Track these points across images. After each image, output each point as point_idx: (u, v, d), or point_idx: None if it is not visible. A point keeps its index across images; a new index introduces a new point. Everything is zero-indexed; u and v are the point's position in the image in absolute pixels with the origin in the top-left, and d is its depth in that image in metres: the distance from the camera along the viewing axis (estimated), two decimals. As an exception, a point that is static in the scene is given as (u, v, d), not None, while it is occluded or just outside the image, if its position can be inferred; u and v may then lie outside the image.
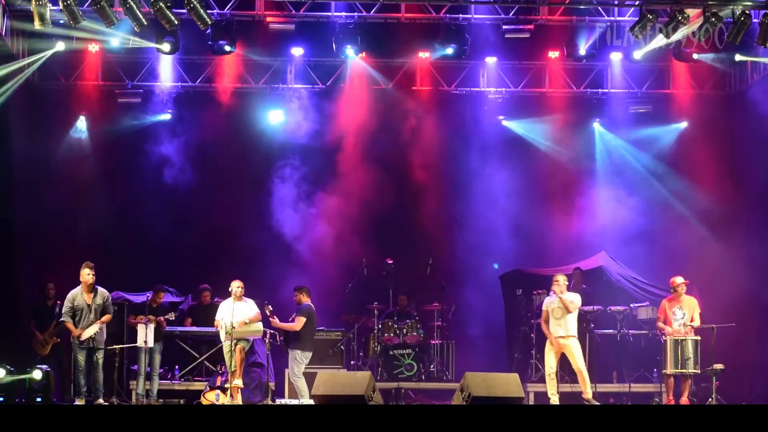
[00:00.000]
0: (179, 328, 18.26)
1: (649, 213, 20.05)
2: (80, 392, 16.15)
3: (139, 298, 17.72)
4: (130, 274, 18.90)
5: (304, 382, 16.55)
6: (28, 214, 18.88)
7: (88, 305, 16.14)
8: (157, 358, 17.26)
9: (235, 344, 16.22)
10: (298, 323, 16.76)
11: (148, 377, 17.19)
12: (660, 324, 17.06)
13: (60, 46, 18.10)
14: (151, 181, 19.90)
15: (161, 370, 17.69)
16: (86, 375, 16.18)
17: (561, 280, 16.48)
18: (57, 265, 18.36)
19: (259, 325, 16.49)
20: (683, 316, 16.81)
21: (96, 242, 19.18)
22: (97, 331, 16.16)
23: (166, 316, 17.38)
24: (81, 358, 16.17)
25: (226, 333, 16.23)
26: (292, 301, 17.16)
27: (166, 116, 20.04)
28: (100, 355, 16.24)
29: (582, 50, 18.59)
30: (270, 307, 16.50)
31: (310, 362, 16.97)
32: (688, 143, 20.22)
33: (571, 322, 16.35)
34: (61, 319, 16.30)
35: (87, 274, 16.16)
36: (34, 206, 19.15)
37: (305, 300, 17.01)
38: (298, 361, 16.81)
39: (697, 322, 16.80)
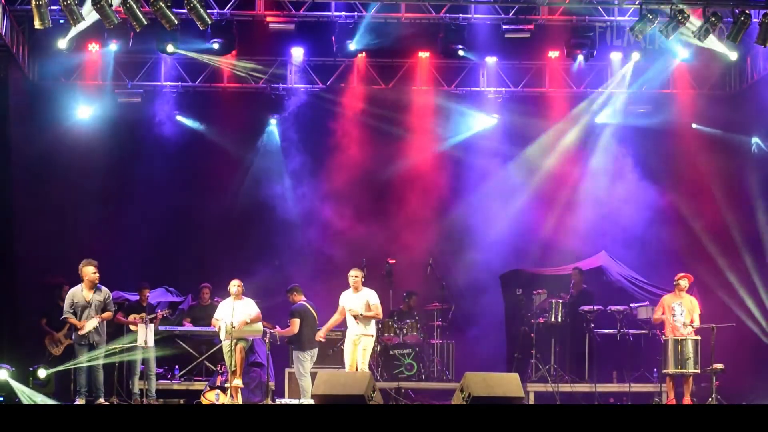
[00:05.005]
0: (179, 328, 18.27)
1: (650, 213, 20.05)
2: (81, 392, 16.11)
3: (138, 298, 17.72)
4: (129, 274, 18.89)
5: (308, 381, 16.57)
6: (27, 214, 18.87)
7: (88, 302, 16.05)
8: (153, 358, 17.23)
9: (235, 344, 16.21)
10: (293, 326, 16.85)
11: (145, 377, 17.14)
12: (655, 315, 17.01)
13: (61, 44, 18.11)
14: (152, 181, 19.89)
15: (161, 370, 17.69)
16: (87, 375, 16.13)
17: (355, 275, 15.91)
18: (56, 264, 18.35)
19: (259, 325, 16.49)
20: (682, 312, 16.81)
21: (96, 242, 19.17)
22: (96, 326, 16.07)
23: (163, 312, 17.37)
24: (82, 357, 16.13)
25: (225, 333, 16.22)
26: (289, 301, 17.23)
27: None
28: (100, 354, 16.19)
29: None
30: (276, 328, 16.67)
31: (310, 362, 17.05)
32: (688, 143, 20.24)
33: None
34: (63, 316, 16.22)
35: (93, 272, 16.01)
36: (34, 206, 19.14)
37: (298, 299, 17.08)
38: (301, 360, 16.90)
39: (696, 323, 16.81)
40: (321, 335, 16.60)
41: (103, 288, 16.25)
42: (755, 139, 19.08)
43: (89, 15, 15.71)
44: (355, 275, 16.01)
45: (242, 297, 16.48)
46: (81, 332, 15.98)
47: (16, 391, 15.84)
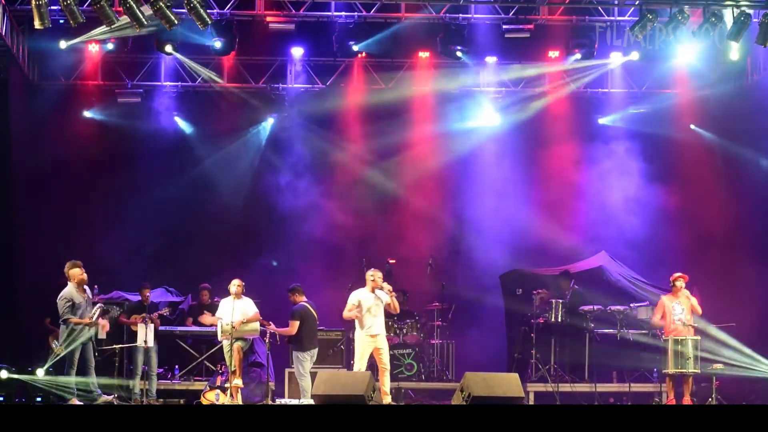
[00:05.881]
0: (179, 328, 18.28)
1: (650, 213, 20.06)
2: (74, 392, 16.00)
3: (138, 298, 17.72)
4: (129, 274, 18.89)
5: (308, 381, 16.53)
6: (27, 213, 18.88)
7: (86, 300, 16.01)
8: (154, 357, 17.22)
9: (234, 343, 16.16)
10: (292, 327, 16.77)
11: (147, 376, 17.14)
12: (655, 319, 16.98)
13: (62, 44, 18.14)
14: (152, 181, 19.92)
15: (161, 370, 17.69)
16: (79, 375, 16.00)
17: (380, 276, 15.84)
18: (56, 264, 18.33)
19: (257, 324, 16.44)
20: (682, 311, 16.77)
21: (96, 241, 19.19)
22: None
23: (160, 312, 17.36)
24: (76, 357, 16.00)
25: (223, 332, 16.17)
26: (290, 301, 17.21)
27: None
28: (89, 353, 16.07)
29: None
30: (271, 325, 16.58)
31: (310, 362, 17.03)
32: (688, 143, 20.26)
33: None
34: (64, 318, 15.77)
35: (81, 273, 15.84)
36: (34, 205, 19.15)
37: (299, 299, 17.02)
38: (301, 360, 16.83)
39: (698, 310, 16.69)
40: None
41: (87, 287, 16.14)
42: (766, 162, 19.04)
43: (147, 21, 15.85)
44: (380, 276, 15.85)
45: (242, 296, 16.46)
46: (100, 335, 15.80)
47: (36, 384, 15.85)
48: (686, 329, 16.67)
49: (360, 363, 15.75)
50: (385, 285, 15.79)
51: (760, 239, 18.89)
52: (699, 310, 16.79)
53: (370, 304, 15.74)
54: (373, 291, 15.78)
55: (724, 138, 19.80)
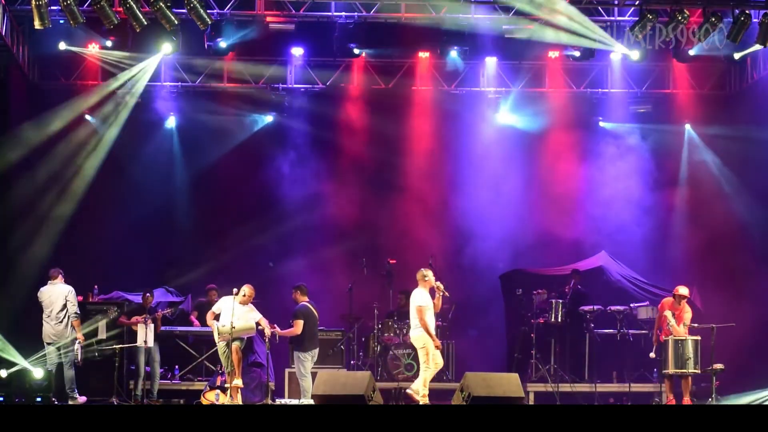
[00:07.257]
0: (179, 328, 18.27)
1: (650, 213, 20.07)
2: (74, 388, 16.01)
3: (138, 298, 17.72)
4: (128, 274, 18.89)
5: (309, 381, 16.50)
6: (28, 214, 18.87)
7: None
8: (156, 358, 17.23)
9: (231, 344, 16.10)
10: (297, 327, 16.71)
11: (148, 377, 17.16)
12: (656, 331, 16.94)
13: (62, 46, 18.15)
14: (151, 181, 19.92)
15: (161, 370, 17.69)
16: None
17: (431, 273, 15.53)
18: (56, 264, 18.33)
19: (252, 323, 16.32)
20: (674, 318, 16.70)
21: (96, 241, 19.18)
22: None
23: (163, 312, 17.36)
24: (75, 357, 16.08)
25: (221, 334, 16.07)
26: (291, 302, 17.17)
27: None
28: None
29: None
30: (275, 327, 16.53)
31: (310, 362, 17.01)
32: (688, 144, 20.27)
33: None
34: (77, 312, 16.24)
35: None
36: (35, 206, 19.14)
37: (301, 299, 16.96)
38: (302, 360, 16.80)
39: (682, 328, 16.63)
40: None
41: None
42: None
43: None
44: (432, 275, 15.68)
45: (249, 305, 16.23)
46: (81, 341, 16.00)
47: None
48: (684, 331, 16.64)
49: (436, 360, 15.45)
50: (439, 284, 15.51)
51: (763, 240, 18.88)
52: (683, 327, 16.65)
53: (430, 303, 15.49)
54: (429, 291, 15.46)
55: (724, 138, 19.79)
